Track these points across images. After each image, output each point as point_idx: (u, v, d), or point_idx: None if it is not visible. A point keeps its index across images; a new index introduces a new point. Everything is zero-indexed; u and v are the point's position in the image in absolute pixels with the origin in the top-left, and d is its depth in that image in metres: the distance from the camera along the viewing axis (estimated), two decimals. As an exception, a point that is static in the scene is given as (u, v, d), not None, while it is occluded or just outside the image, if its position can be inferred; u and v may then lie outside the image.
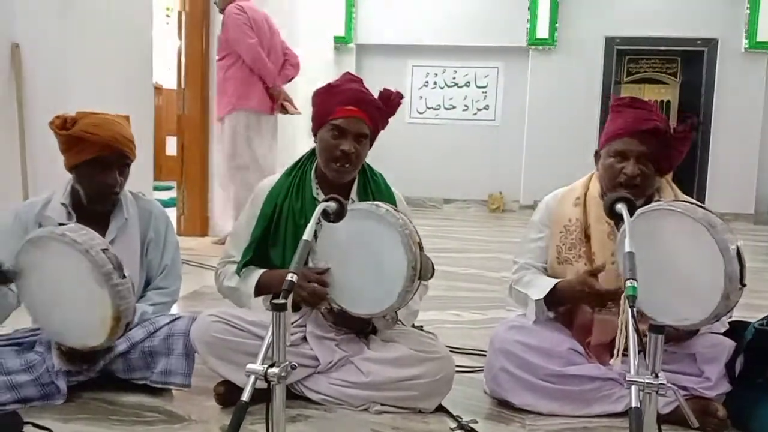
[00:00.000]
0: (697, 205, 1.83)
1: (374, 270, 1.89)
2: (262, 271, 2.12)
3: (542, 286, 2.11)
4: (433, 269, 1.90)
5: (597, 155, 2.19)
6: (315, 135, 2.15)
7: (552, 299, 2.10)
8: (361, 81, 2.16)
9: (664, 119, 2.09)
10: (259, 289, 2.11)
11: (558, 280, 2.10)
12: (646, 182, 2.06)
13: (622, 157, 2.06)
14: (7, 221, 2.18)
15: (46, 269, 1.89)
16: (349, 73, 2.21)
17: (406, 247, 1.83)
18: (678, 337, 1.98)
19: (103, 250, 1.83)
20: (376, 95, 2.15)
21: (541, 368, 2.07)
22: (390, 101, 2.14)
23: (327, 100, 2.10)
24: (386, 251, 1.85)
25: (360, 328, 2.12)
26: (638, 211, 1.79)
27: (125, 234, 2.21)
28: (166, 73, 9.80)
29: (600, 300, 2.01)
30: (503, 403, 2.12)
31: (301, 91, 6.95)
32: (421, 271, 1.86)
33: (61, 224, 1.93)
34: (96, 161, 2.11)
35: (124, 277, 1.84)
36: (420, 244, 1.87)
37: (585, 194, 2.20)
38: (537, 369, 2.07)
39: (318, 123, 2.12)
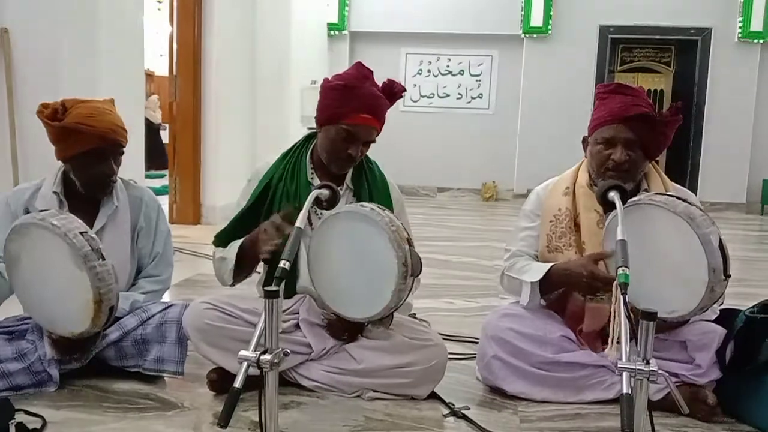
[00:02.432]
0: (677, 197, 1.82)
1: (366, 271, 1.86)
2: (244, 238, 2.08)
3: (537, 270, 2.12)
4: (421, 265, 1.87)
5: (585, 142, 2.20)
6: (319, 126, 2.11)
7: (546, 284, 2.10)
8: (371, 75, 2.09)
9: (651, 104, 2.08)
10: (243, 249, 2.04)
11: (552, 264, 2.10)
12: (634, 168, 2.06)
13: (610, 144, 2.06)
14: None
15: (30, 256, 1.89)
16: (360, 64, 2.11)
17: (394, 244, 1.79)
18: (666, 327, 1.99)
19: (81, 233, 1.82)
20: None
21: (533, 355, 2.08)
22: (393, 94, 2.11)
23: (342, 102, 2.03)
24: (375, 251, 1.82)
25: (358, 333, 2.11)
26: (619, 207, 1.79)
27: (115, 221, 2.19)
28: (158, 60, 9.75)
29: (595, 287, 2.00)
30: (496, 390, 2.13)
31: (294, 77, 6.95)
32: (413, 267, 1.85)
33: (41, 210, 1.92)
34: (92, 152, 2.09)
35: (103, 259, 1.83)
36: (409, 240, 1.85)
37: (574, 184, 2.20)
38: (530, 356, 2.08)
39: (327, 120, 2.07)
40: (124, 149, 2.19)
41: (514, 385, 2.09)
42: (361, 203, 1.93)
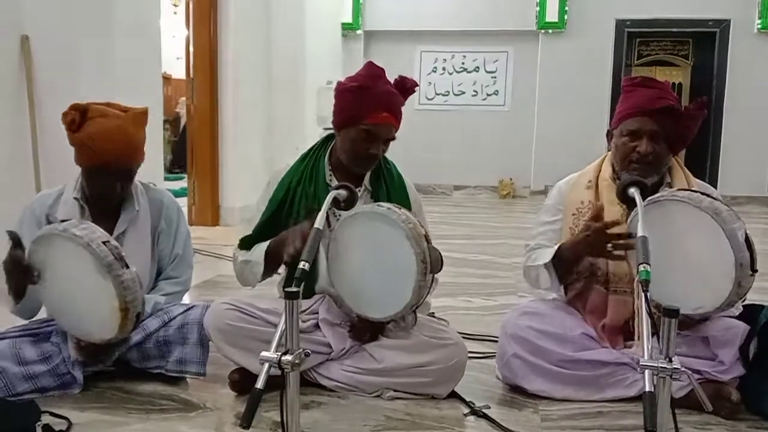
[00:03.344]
0: (701, 193, 1.81)
1: (386, 271, 1.87)
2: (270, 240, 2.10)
3: (549, 252, 2.13)
4: (442, 261, 1.87)
5: (609, 135, 2.19)
6: (338, 129, 2.13)
7: (561, 263, 2.10)
8: (383, 73, 2.11)
9: (676, 98, 2.08)
10: (269, 252, 2.06)
11: (561, 242, 2.11)
12: (658, 161, 2.06)
13: (635, 136, 2.05)
14: (24, 215, 2.20)
15: (54, 266, 1.91)
16: (371, 63, 2.14)
17: (412, 241, 1.79)
18: (689, 324, 1.98)
19: (104, 243, 1.83)
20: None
21: (554, 353, 2.07)
22: (405, 90, 2.12)
23: (358, 103, 2.05)
24: (394, 249, 1.82)
25: (380, 333, 2.12)
26: (645, 201, 1.78)
27: (136, 226, 2.21)
28: (175, 62, 9.82)
29: (605, 237, 1.96)
30: (516, 389, 2.13)
31: (310, 78, 6.97)
32: (432, 263, 1.85)
33: (63, 221, 1.93)
34: (95, 169, 2.09)
35: (127, 267, 1.84)
36: (426, 236, 1.85)
37: (597, 177, 2.20)
38: (550, 354, 2.07)
39: (346, 122, 2.09)
40: (134, 170, 2.17)
41: (534, 383, 2.08)
42: (378, 203, 1.93)
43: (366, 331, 2.09)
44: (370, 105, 2.04)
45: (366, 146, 2.06)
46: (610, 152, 2.21)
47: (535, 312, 2.16)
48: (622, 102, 2.13)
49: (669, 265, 1.76)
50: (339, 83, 2.13)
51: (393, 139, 2.12)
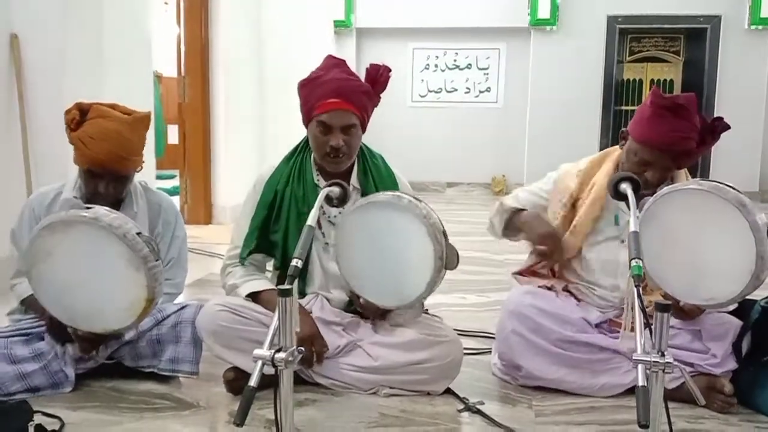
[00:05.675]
0: (725, 184, 1.80)
1: (400, 262, 1.86)
2: (264, 286, 2.11)
3: (517, 203, 2.31)
4: (458, 258, 1.86)
5: (623, 135, 2.17)
6: (306, 127, 2.12)
7: (512, 222, 2.30)
8: (343, 63, 2.09)
9: (698, 129, 2.05)
10: (254, 299, 2.08)
11: (525, 210, 2.27)
12: (663, 183, 2.07)
13: (648, 165, 2.05)
14: (23, 212, 2.19)
15: (65, 253, 1.82)
16: (330, 56, 2.13)
17: (432, 237, 1.79)
18: (696, 312, 1.99)
19: (138, 234, 1.79)
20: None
21: (553, 332, 2.09)
22: (378, 78, 2.09)
23: (310, 94, 2.04)
24: (412, 242, 1.81)
25: (383, 316, 2.13)
26: (663, 191, 1.77)
27: None
28: (166, 61, 9.77)
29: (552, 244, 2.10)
30: (511, 366, 2.14)
31: (302, 75, 6.94)
32: (447, 260, 1.84)
33: (88, 207, 1.86)
34: (90, 170, 2.08)
35: (158, 258, 1.81)
36: (445, 233, 1.85)
37: (592, 175, 2.21)
38: (549, 333, 2.09)
39: (305, 117, 2.09)
40: (127, 176, 2.15)
41: (530, 361, 2.10)
42: (398, 194, 1.88)
43: (373, 310, 2.07)
44: (319, 94, 2.01)
45: (325, 139, 2.02)
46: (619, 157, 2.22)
47: (537, 292, 2.19)
48: (648, 121, 2.05)
49: (684, 257, 1.75)
50: (299, 82, 2.11)
51: (352, 126, 2.04)
